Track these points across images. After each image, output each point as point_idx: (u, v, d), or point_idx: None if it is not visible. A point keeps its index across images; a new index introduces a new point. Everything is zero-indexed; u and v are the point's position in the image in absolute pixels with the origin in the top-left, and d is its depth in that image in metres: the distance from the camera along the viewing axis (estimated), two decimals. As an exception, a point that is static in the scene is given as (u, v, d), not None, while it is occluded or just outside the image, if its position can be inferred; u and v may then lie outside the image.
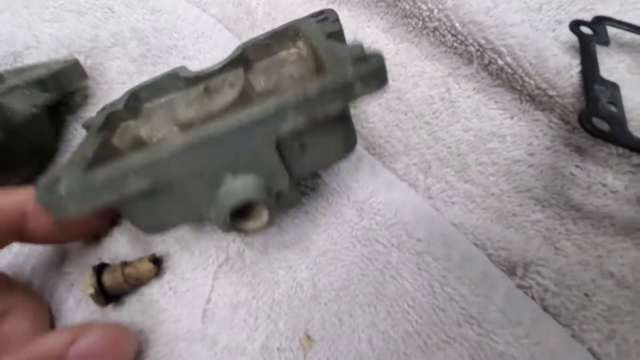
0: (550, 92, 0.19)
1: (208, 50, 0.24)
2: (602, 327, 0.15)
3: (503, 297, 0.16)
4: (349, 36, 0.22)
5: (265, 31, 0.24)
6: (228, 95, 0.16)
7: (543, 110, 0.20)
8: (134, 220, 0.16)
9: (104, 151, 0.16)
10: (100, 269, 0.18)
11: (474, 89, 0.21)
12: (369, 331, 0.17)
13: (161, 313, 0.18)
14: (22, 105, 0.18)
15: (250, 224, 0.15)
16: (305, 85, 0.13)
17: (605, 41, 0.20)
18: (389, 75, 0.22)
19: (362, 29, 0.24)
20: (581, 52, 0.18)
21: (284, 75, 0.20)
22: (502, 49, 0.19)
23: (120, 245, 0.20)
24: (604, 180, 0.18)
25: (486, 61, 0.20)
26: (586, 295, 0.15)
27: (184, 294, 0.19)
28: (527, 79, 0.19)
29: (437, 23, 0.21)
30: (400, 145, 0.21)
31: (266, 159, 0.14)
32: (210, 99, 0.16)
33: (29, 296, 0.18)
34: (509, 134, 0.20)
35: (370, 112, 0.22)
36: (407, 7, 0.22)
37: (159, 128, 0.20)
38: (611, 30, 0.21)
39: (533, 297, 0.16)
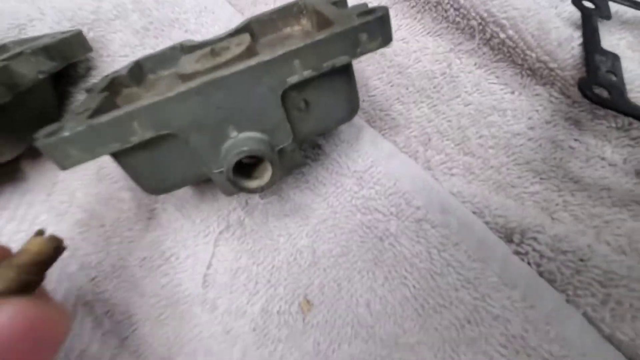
0: (551, 65, 0.19)
1: (210, 24, 0.24)
2: (597, 291, 0.15)
3: (499, 263, 0.16)
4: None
5: (267, 6, 0.24)
6: (235, 51, 0.16)
7: (544, 84, 0.20)
8: (138, 178, 0.16)
9: (106, 107, 0.16)
10: None
11: (475, 64, 0.21)
12: (367, 296, 0.17)
13: (163, 278, 0.19)
14: (29, 70, 0.18)
15: (254, 182, 0.15)
16: (315, 35, 0.13)
17: (607, 15, 0.20)
18: (391, 51, 0.22)
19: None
20: (583, 24, 0.18)
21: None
22: (504, 21, 0.19)
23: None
24: (603, 153, 0.19)
25: (488, 35, 0.20)
26: (581, 260, 0.16)
27: (185, 260, 0.19)
28: (528, 52, 0.19)
29: (439, -3, 0.21)
30: (401, 118, 0.21)
31: (271, 114, 0.15)
32: (217, 57, 0.16)
33: None
34: (510, 108, 0.20)
35: (372, 86, 0.22)
36: (410, -18, 0.23)
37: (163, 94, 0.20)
38: (613, 7, 0.21)
39: (529, 263, 0.16)
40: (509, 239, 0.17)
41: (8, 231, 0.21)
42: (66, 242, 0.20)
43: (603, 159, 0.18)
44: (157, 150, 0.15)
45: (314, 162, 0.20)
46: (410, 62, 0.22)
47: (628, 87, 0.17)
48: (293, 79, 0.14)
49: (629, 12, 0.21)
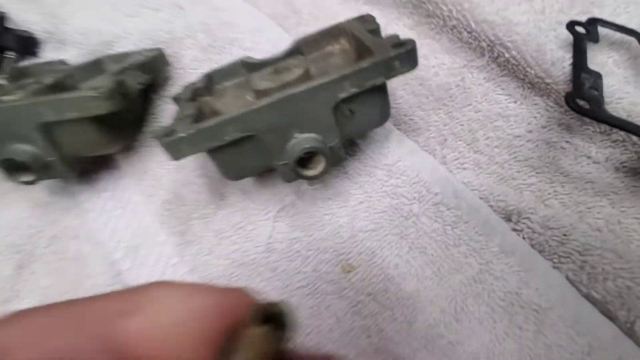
0: (547, 80, 0.23)
1: (263, 42, 0.29)
2: (576, 259, 0.20)
3: (500, 237, 0.21)
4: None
5: (309, 27, 0.29)
6: (295, 73, 0.21)
7: (541, 95, 0.24)
8: (222, 167, 0.21)
9: (199, 114, 0.21)
10: None
11: (484, 78, 0.26)
12: (395, 261, 0.22)
13: (233, 245, 0.24)
14: (133, 82, 0.23)
15: (311, 172, 0.20)
16: (360, 62, 0.18)
17: (595, 39, 0.24)
18: (414, 65, 0.27)
19: (391, 26, 0.29)
20: (574, 47, 0.23)
21: (330, 65, 0.25)
22: (509, 44, 0.24)
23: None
24: (589, 153, 0.23)
25: (495, 54, 0.25)
26: (564, 235, 0.20)
27: (250, 232, 0.24)
28: (528, 69, 0.23)
29: (455, 22, 0.26)
30: (422, 122, 0.25)
31: (325, 120, 0.19)
32: (279, 76, 0.21)
33: None
34: (512, 114, 0.25)
35: (398, 95, 0.27)
36: (430, 8, 0.27)
37: (231, 102, 0.25)
38: (603, 31, 0.25)
39: (523, 238, 0.21)
40: (508, 219, 0.21)
41: (108, 207, 0.26)
42: (155, 219, 0.25)
43: (589, 157, 0.23)
44: (240, 147, 0.20)
45: (352, 157, 0.24)
46: (430, 75, 0.27)
47: (608, 99, 0.21)
48: (342, 95, 0.19)
49: (616, 35, 0.25)
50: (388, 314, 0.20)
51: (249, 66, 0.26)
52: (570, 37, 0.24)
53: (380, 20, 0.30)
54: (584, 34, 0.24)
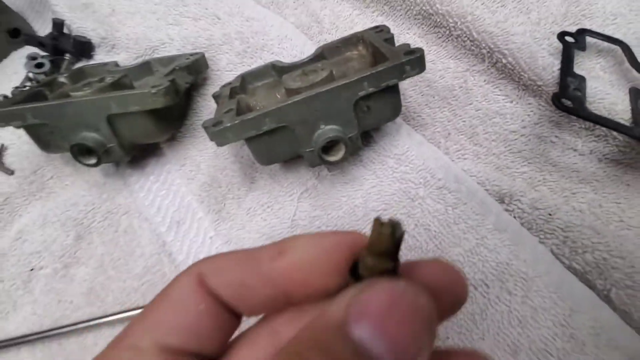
0: (539, 83, 0.26)
1: (290, 48, 0.33)
2: (559, 235, 0.23)
3: (494, 216, 0.24)
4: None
5: (331, 35, 0.33)
6: (321, 74, 0.25)
7: (534, 96, 0.27)
8: (257, 154, 0.25)
9: (238, 108, 0.26)
10: None
11: (484, 80, 0.29)
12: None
13: (262, 222, 0.28)
14: (181, 82, 0.28)
15: (332, 157, 0.24)
16: (377, 66, 0.22)
17: (583, 47, 0.27)
18: (423, 69, 0.30)
19: (404, 35, 0.33)
20: (562, 54, 0.26)
21: (349, 68, 0.29)
22: (506, 51, 0.27)
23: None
24: (575, 146, 0.26)
25: (494, 60, 0.28)
26: (550, 214, 0.23)
27: (277, 211, 0.28)
28: (522, 73, 0.27)
29: (459, 32, 0.29)
30: (428, 118, 0.29)
31: (346, 114, 0.23)
32: (307, 77, 0.25)
33: None
34: (509, 112, 0.28)
35: (408, 95, 0.30)
36: (438, 19, 0.31)
37: (262, 100, 0.29)
38: (592, 40, 0.28)
39: (514, 217, 0.24)
40: (501, 201, 0.25)
41: (155, 188, 0.30)
42: (194, 198, 0.29)
43: (575, 150, 0.26)
44: (274, 136, 0.24)
45: (367, 147, 0.28)
46: (437, 78, 0.30)
47: (591, 99, 0.25)
48: (362, 93, 0.23)
49: (603, 44, 0.28)
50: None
51: (278, 69, 0.30)
52: (558, 47, 0.28)
53: (394, 29, 0.34)
54: (572, 42, 0.27)
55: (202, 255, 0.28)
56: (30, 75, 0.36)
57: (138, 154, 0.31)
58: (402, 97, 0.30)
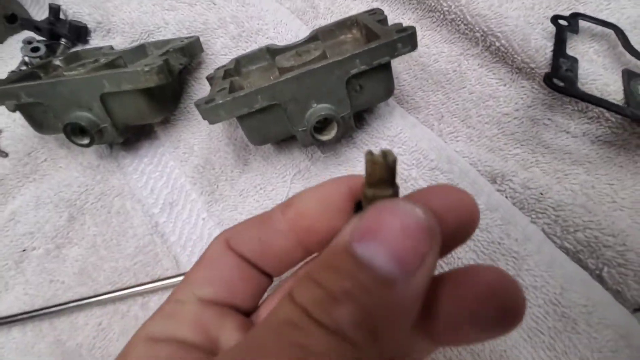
0: (532, 65, 0.26)
1: (284, 33, 0.33)
2: (550, 214, 0.23)
3: (486, 196, 0.24)
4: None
5: (325, 20, 0.33)
6: (314, 54, 0.25)
7: (527, 79, 0.27)
8: (249, 133, 0.25)
9: (232, 87, 0.26)
10: None
11: (478, 64, 0.29)
12: (394, 216, 0.25)
13: (255, 203, 0.28)
14: (175, 62, 0.28)
15: (325, 136, 0.24)
16: (369, 44, 0.22)
17: (576, 30, 0.27)
18: (417, 54, 0.31)
19: (398, 20, 0.33)
20: (555, 37, 0.26)
21: (343, 50, 0.29)
22: (499, 34, 0.27)
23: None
24: (568, 128, 0.26)
25: (488, 43, 0.28)
26: (541, 194, 0.23)
27: (270, 192, 0.28)
28: (515, 55, 0.27)
29: (453, 16, 0.29)
30: (422, 101, 0.29)
31: (338, 92, 0.23)
32: (300, 57, 0.25)
33: None
34: (502, 95, 0.28)
35: (402, 79, 0.30)
36: (432, 3, 0.31)
37: (256, 82, 0.29)
38: (585, 24, 0.28)
39: (506, 197, 0.24)
40: (493, 181, 0.25)
41: (148, 170, 0.30)
42: (188, 180, 0.29)
43: (568, 132, 0.26)
44: (266, 115, 0.24)
45: (360, 129, 0.28)
46: (431, 62, 0.30)
47: (583, 80, 0.25)
48: (354, 71, 0.23)
49: (597, 28, 0.28)
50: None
51: (273, 52, 0.30)
52: (550, 29, 0.28)
53: (389, 14, 0.34)
54: (565, 25, 0.27)
55: (195, 237, 0.28)
56: (26, 59, 0.36)
57: (132, 136, 0.31)
58: (396, 81, 0.30)
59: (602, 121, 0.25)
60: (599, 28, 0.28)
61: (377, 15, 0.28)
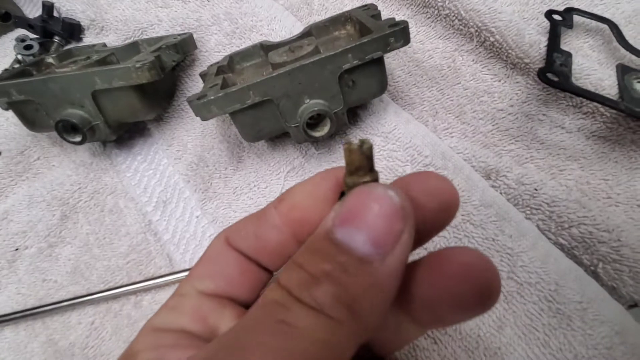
0: (526, 60, 0.26)
1: (278, 29, 0.33)
2: (545, 210, 0.23)
3: (480, 192, 0.24)
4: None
5: (320, 16, 0.33)
6: (306, 49, 0.24)
7: (522, 75, 0.27)
8: (242, 129, 0.25)
9: (224, 84, 0.25)
10: None
11: (473, 60, 0.29)
12: (388, 212, 0.25)
13: (249, 200, 0.27)
14: (168, 59, 0.27)
15: (318, 133, 0.24)
16: (361, 39, 0.22)
17: (570, 25, 0.27)
18: (411, 50, 0.31)
19: (392, 16, 0.32)
20: (550, 32, 0.26)
21: (336, 47, 0.28)
22: (493, 29, 0.27)
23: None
24: (563, 124, 0.26)
25: (482, 39, 0.28)
26: (535, 190, 0.23)
27: (264, 189, 0.28)
28: (510, 51, 0.27)
29: (447, 11, 0.29)
30: (416, 97, 0.29)
31: (331, 88, 0.23)
32: (293, 53, 0.25)
33: None
34: (497, 91, 0.28)
35: (396, 75, 0.30)
36: None
37: (249, 79, 0.29)
38: (580, 19, 0.28)
39: (500, 193, 0.24)
40: (487, 177, 0.25)
41: (142, 168, 0.30)
42: (181, 178, 0.29)
43: (562, 127, 0.26)
44: (259, 111, 0.24)
45: (353, 125, 0.28)
46: (425, 58, 0.30)
47: (578, 75, 0.25)
48: (346, 66, 0.23)
49: (592, 22, 0.28)
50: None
51: (267, 48, 0.30)
52: (544, 24, 0.27)
53: (383, 11, 0.33)
54: (560, 20, 0.27)
55: (188, 235, 0.27)
56: (19, 57, 0.36)
57: (125, 134, 0.31)
58: (390, 77, 0.30)
59: (596, 116, 0.25)
60: (594, 23, 0.28)
61: (370, 10, 0.28)
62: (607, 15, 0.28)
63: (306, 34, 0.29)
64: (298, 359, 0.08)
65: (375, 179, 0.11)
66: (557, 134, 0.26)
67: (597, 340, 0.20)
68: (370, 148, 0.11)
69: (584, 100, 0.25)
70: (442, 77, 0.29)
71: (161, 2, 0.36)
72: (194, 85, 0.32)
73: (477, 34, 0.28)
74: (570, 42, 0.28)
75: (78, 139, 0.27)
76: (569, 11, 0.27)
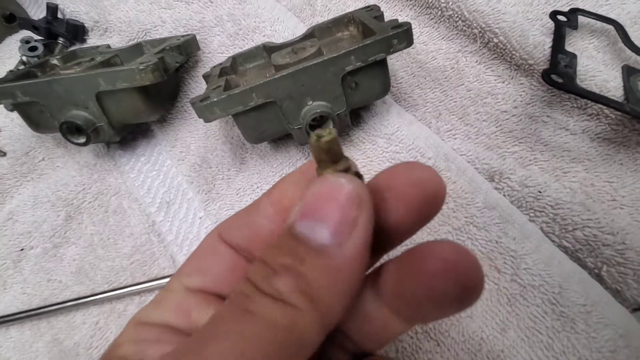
0: (530, 62, 0.26)
1: (281, 30, 0.33)
2: (549, 212, 0.23)
3: (484, 194, 0.24)
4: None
5: (322, 18, 0.33)
6: (309, 51, 0.24)
7: (526, 76, 0.27)
8: (245, 131, 0.25)
9: (227, 85, 0.25)
10: None
11: (476, 61, 0.29)
12: (391, 214, 0.25)
13: (251, 202, 0.27)
14: (171, 61, 0.27)
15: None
16: (364, 40, 0.22)
17: (575, 26, 0.27)
18: (414, 51, 0.30)
19: (395, 17, 0.32)
20: (554, 33, 0.26)
21: (339, 48, 0.28)
22: (497, 30, 0.27)
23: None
24: (567, 126, 0.26)
25: (486, 40, 0.28)
26: (539, 192, 0.23)
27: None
28: (514, 52, 0.27)
29: (451, 12, 0.29)
30: (419, 99, 0.29)
31: (334, 90, 0.23)
32: (296, 54, 0.25)
33: None
34: (500, 93, 0.28)
35: (399, 76, 0.30)
36: (430, 0, 0.30)
37: (252, 80, 0.29)
38: (585, 20, 0.28)
39: (504, 195, 0.24)
40: (491, 179, 0.24)
41: (146, 169, 0.30)
42: (185, 179, 0.29)
43: (567, 129, 0.26)
44: (262, 113, 0.24)
45: (357, 127, 0.28)
46: (428, 59, 0.30)
47: (582, 77, 0.24)
48: (349, 68, 0.23)
49: (597, 23, 0.28)
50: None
51: (269, 49, 0.30)
52: (549, 25, 0.27)
53: (386, 12, 0.33)
54: (564, 21, 0.27)
55: (192, 236, 0.27)
56: (24, 58, 0.36)
57: (129, 135, 0.31)
58: (393, 78, 0.30)
59: (601, 118, 0.25)
60: (599, 24, 0.28)
61: (373, 11, 0.28)
62: (612, 15, 0.28)
63: (309, 35, 0.29)
64: (262, 344, 0.09)
65: (345, 169, 0.11)
66: (561, 136, 0.26)
67: (601, 343, 0.20)
68: (329, 141, 0.10)
69: (589, 102, 0.25)
70: (445, 78, 0.29)
71: (164, 4, 0.36)
72: (197, 86, 0.32)
73: (480, 35, 0.28)
74: (575, 43, 0.28)
75: (82, 140, 0.28)
76: (574, 12, 0.27)
